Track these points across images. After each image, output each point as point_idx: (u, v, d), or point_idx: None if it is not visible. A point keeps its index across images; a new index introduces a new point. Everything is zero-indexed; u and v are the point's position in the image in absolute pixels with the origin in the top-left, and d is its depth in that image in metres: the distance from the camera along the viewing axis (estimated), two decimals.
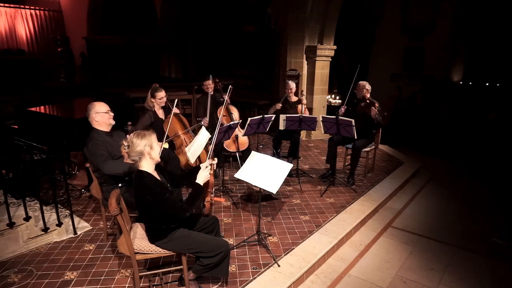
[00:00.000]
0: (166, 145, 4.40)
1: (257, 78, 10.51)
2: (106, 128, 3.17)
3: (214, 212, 4.01)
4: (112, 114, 3.18)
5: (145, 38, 10.98)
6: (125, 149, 2.39)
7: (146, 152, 2.38)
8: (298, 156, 5.22)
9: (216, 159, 2.93)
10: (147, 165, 2.42)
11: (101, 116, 3.10)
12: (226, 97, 4.03)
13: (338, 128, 4.46)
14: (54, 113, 4.82)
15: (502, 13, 8.32)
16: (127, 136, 2.82)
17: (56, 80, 11.43)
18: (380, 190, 4.82)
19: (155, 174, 2.46)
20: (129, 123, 3.68)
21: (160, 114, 4.36)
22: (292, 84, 5.47)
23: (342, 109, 4.80)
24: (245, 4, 10.66)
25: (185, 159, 4.11)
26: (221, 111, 5.31)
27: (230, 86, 4.08)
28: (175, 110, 4.52)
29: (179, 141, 4.50)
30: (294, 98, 5.54)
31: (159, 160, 2.50)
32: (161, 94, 4.24)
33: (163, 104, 4.33)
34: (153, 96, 4.23)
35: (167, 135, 3.68)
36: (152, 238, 2.48)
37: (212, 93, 5.21)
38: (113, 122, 3.21)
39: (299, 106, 5.45)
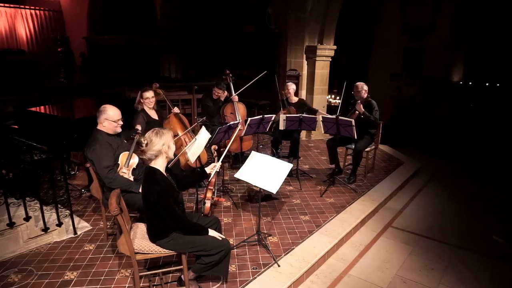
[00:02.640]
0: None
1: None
2: (111, 132, 3.14)
3: (214, 212, 4.01)
4: (121, 123, 3.14)
5: (145, 38, 10.99)
6: (142, 146, 2.38)
7: (164, 151, 2.40)
8: (298, 156, 5.22)
9: (220, 163, 3.00)
10: (161, 163, 2.44)
11: (109, 123, 3.08)
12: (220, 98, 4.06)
13: (338, 128, 4.46)
14: (54, 113, 4.82)
15: (502, 13, 8.32)
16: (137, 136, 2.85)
17: (56, 80, 11.42)
18: (380, 190, 4.82)
19: (165, 173, 2.47)
20: (138, 131, 3.65)
21: (153, 114, 4.26)
22: (291, 86, 5.41)
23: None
24: (245, 4, 10.66)
25: (185, 159, 4.11)
26: (226, 110, 5.33)
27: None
28: (175, 110, 4.53)
29: (179, 142, 4.49)
30: (294, 99, 5.52)
31: (173, 157, 2.50)
32: (147, 94, 4.15)
33: (150, 106, 4.21)
34: (141, 96, 4.19)
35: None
36: (154, 237, 2.48)
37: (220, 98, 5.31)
38: (119, 130, 3.18)
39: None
